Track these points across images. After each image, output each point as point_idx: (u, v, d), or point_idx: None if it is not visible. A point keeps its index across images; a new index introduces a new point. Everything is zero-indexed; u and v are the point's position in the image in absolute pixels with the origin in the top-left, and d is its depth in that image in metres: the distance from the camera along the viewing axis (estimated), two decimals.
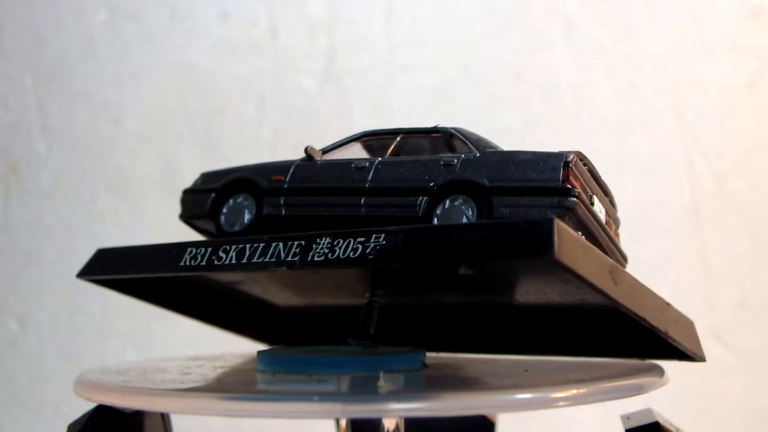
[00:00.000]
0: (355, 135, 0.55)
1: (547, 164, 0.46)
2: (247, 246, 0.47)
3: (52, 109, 1.05)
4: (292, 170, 0.53)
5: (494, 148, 0.51)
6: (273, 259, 0.45)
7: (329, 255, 0.43)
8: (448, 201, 0.49)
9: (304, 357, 0.48)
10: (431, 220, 0.49)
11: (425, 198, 0.49)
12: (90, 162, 1.04)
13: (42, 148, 1.05)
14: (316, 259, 0.44)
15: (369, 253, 0.42)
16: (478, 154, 0.50)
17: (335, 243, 0.44)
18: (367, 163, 0.52)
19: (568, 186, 0.46)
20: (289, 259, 0.45)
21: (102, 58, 1.06)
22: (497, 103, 1.02)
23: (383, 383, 0.42)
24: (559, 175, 0.46)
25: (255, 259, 0.46)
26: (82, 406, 0.49)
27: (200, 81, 1.04)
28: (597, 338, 0.57)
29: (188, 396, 0.41)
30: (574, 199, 0.46)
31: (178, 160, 1.03)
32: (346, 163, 0.53)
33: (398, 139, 0.54)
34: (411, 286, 0.55)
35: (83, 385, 0.46)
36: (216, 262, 0.47)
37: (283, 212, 0.52)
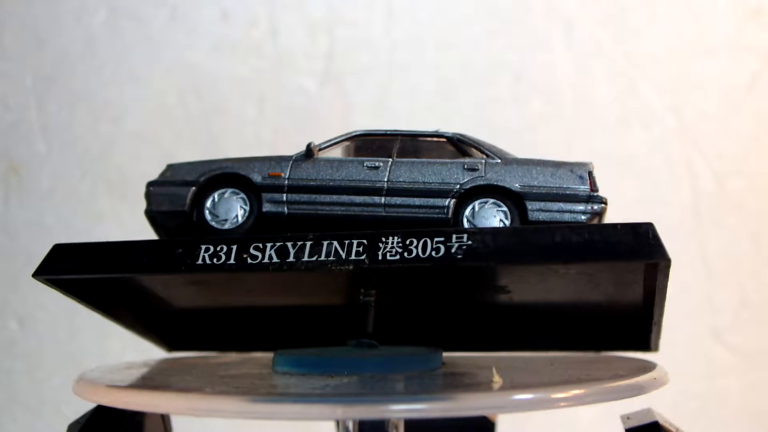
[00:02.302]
0: (350, 134, 0.55)
1: (574, 173, 0.51)
2: (289, 244, 0.46)
3: (52, 109, 1.05)
4: (290, 166, 0.53)
5: (509, 154, 0.53)
6: (332, 258, 0.45)
7: (405, 254, 0.44)
8: (476, 204, 0.50)
9: (324, 358, 0.48)
10: (459, 223, 0.50)
11: (452, 200, 0.50)
12: (90, 162, 1.04)
13: (42, 148, 1.05)
14: (389, 257, 0.44)
15: (456, 253, 0.43)
16: (499, 160, 0.52)
17: (408, 242, 0.44)
18: (380, 163, 0.52)
19: (598, 193, 0.51)
20: (353, 257, 0.44)
21: (102, 58, 1.06)
22: (497, 103, 1.02)
23: (497, 378, 0.43)
24: (587, 183, 0.51)
25: (305, 258, 0.45)
26: (82, 406, 0.49)
27: (200, 81, 1.04)
28: (568, 334, 0.60)
29: (189, 396, 0.41)
30: (604, 205, 0.50)
31: (178, 160, 1.03)
32: (356, 162, 0.52)
33: (399, 140, 0.54)
34: (397, 288, 0.54)
35: (83, 385, 0.46)
36: (250, 261, 0.46)
37: (286, 209, 0.52)
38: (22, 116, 1.05)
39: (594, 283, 0.50)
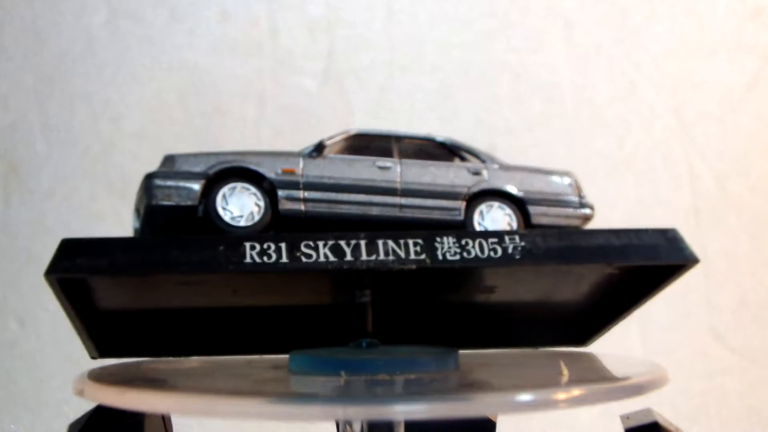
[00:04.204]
0: (346, 132, 0.55)
1: (563, 180, 0.53)
2: (342, 242, 0.45)
3: (52, 109, 1.05)
4: (302, 163, 0.52)
5: (501, 160, 0.55)
6: (391, 257, 0.44)
7: (464, 254, 0.45)
8: (483, 207, 0.52)
9: (337, 359, 0.47)
10: (470, 224, 0.51)
11: (463, 203, 0.51)
12: (90, 162, 1.04)
13: (42, 148, 1.05)
14: (449, 257, 0.44)
15: (513, 254, 0.45)
16: (497, 166, 0.53)
17: (463, 243, 0.45)
18: (390, 164, 0.52)
19: (585, 200, 0.53)
20: (413, 257, 0.44)
21: (102, 58, 1.06)
22: (497, 103, 1.02)
23: (566, 371, 0.44)
24: (575, 190, 0.53)
25: (364, 257, 0.44)
26: (82, 406, 0.48)
27: (200, 81, 1.04)
28: (514, 331, 0.61)
29: (189, 396, 0.41)
30: (592, 210, 0.53)
31: None
32: (367, 161, 0.52)
33: (394, 141, 0.54)
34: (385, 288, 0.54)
35: (83, 385, 0.46)
36: (305, 260, 0.44)
37: (304, 207, 0.51)
38: (22, 116, 1.05)
39: (577, 283, 0.51)
